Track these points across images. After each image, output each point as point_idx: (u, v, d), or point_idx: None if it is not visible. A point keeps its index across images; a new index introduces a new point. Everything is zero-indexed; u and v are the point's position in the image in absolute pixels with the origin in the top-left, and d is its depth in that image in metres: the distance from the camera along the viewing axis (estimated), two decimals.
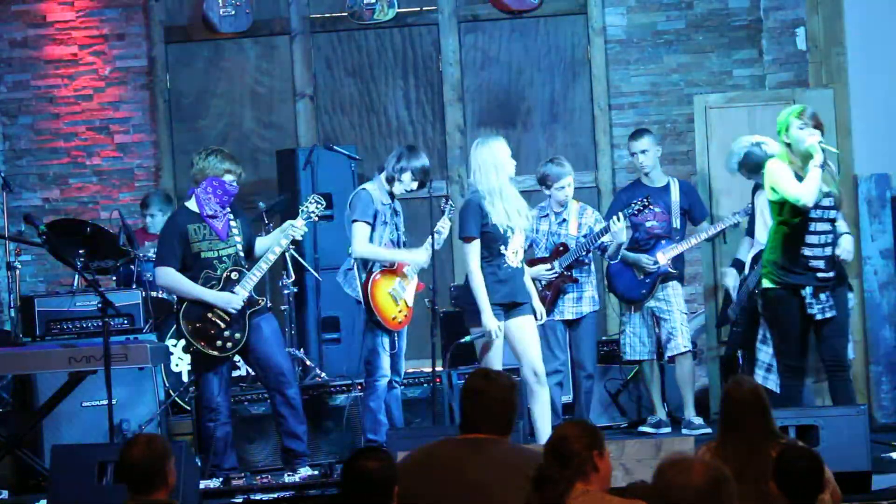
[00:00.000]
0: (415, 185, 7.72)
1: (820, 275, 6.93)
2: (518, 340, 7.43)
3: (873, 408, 8.47)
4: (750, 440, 4.79)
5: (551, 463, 4.09)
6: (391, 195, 7.79)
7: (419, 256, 7.79)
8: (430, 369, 7.87)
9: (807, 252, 6.92)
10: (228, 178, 7.38)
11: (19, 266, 8.85)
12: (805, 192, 6.81)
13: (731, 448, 4.79)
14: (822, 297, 6.95)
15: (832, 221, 6.99)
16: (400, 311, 7.76)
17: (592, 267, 8.41)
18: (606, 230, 8.12)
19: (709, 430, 8.11)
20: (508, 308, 7.41)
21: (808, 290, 6.92)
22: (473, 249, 7.33)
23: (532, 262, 8.27)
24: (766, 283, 7.06)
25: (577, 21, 10.12)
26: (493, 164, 7.35)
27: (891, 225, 8.72)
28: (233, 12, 10.01)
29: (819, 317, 6.95)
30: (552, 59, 10.17)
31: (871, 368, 8.71)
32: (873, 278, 8.74)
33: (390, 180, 7.75)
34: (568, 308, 8.30)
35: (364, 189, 7.80)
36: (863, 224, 8.73)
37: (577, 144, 10.09)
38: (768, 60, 9.81)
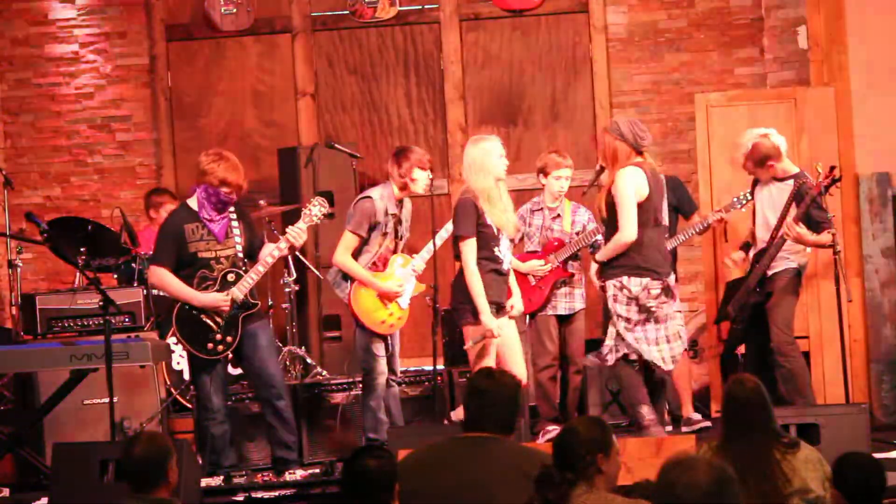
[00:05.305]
0: (427, 172, 7.64)
1: None
2: (503, 340, 7.25)
3: (874, 406, 8.47)
4: (752, 439, 4.79)
5: (556, 464, 4.09)
6: (401, 202, 7.76)
7: (389, 286, 7.67)
8: (431, 368, 7.86)
9: None
10: (225, 189, 7.25)
11: (21, 264, 8.85)
12: None
13: (733, 447, 4.79)
14: None
15: None
16: (391, 315, 7.70)
17: (581, 263, 8.40)
18: None
19: (708, 424, 8.10)
20: (499, 307, 7.32)
21: None
22: (469, 248, 7.13)
23: (525, 256, 8.26)
24: None
25: (578, 19, 10.12)
26: (480, 164, 7.18)
27: (892, 224, 8.70)
28: (234, 10, 10.01)
29: None
30: (553, 57, 10.17)
31: (871, 367, 8.69)
32: (874, 277, 8.72)
33: (403, 187, 7.70)
34: (561, 303, 8.28)
35: (369, 198, 7.69)
36: (864, 223, 8.72)
37: (578, 143, 10.08)
38: (769, 59, 9.80)
